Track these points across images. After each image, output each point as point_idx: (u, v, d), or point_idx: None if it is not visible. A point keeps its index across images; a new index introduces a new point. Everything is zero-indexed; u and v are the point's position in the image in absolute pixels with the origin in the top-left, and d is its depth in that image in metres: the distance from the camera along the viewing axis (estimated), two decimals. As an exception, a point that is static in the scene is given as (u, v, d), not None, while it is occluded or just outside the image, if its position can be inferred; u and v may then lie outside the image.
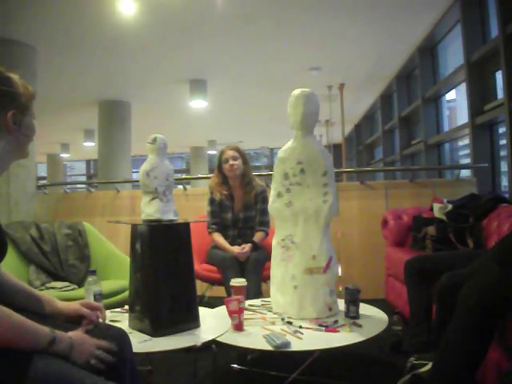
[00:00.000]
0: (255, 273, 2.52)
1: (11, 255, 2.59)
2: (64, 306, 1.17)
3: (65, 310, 1.15)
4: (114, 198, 4.42)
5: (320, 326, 1.83)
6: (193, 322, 1.75)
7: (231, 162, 2.76)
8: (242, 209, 2.81)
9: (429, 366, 1.60)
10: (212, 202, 2.81)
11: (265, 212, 2.77)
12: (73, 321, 1.15)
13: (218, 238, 2.74)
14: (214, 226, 2.77)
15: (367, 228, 3.62)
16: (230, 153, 2.79)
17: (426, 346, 1.89)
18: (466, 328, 1.38)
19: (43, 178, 13.70)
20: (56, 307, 1.16)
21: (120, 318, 1.86)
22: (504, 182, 4.19)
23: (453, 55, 5.09)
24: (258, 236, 2.74)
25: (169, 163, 1.93)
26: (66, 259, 2.75)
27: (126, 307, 1.91)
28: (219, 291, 2.66)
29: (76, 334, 1.03)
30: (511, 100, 3.33)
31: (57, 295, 2.33)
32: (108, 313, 1.95)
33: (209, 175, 3.76)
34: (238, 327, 1.78)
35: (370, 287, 2.80)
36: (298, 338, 1.70)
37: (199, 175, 8.91)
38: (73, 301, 2.10)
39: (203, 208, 2.90)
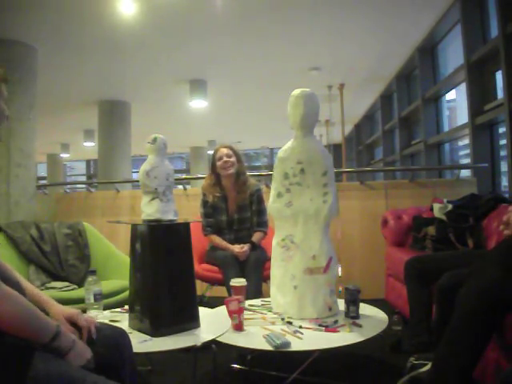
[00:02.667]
0: (255, 272, 2.52)
1: (11, 255, 2.59)
2: (53, 313, 1.13)
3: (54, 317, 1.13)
4: (114, 197, 4.41)
5: (320, 325, 1.83)
6: (193, 321, 1.75)
7: (225, 159, 2.73)
8: (236, 210, 2.77)
9: (429, 365, 1.60)
10: (205, 204, 2.78)
11: (262, 212, 2.76)
12: None
13: (216, 239, 2.73)
14: (209, 229, 2.75)
15: (367, 228, 3.62)
16: (224, 151, 2.76)
17: (426, 346, 1.89)
18: (466, 328, 1.38)
19: (43, 178, 13.70)
20: (47, 311, 1.13)
21: (120, 318, 1.86)
22: (504, 181, 4.19)
23: (453, 55, 5.09)
24: (256, 236, 2.72)
25: (169, 163, 1.93)
26: (66, 259, 2.75)
27: (126, 307, 1.91)
28: (219, 291, 2.66)
29: (79, 342, 1.03)
30: (511, 100, 3.33)
31: (57, 295, 2.33)
32: (108, 313, 1.95)
33: (209, 175, 3.75)
34: (238, 327, 1.78)
35: (369, 287, 2.80)
36: (298, 338, 1.70)
37: (199, 175, 8.85)
38: (73, 301, 2.11)
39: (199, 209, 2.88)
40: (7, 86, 1.10)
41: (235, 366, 2.09)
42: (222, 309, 1.89)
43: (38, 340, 0.94)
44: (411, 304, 2.10)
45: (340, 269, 2.97)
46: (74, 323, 1.12)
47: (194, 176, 9.36)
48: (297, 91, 2.03)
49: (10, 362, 0.90)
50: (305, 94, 2.01)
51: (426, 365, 1.64)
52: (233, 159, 2.75)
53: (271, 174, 2.17)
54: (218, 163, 2.75)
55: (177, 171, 15.23)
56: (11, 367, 0.90)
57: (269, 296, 2.16)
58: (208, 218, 2.76)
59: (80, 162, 16.61)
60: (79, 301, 2.06)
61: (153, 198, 1.84)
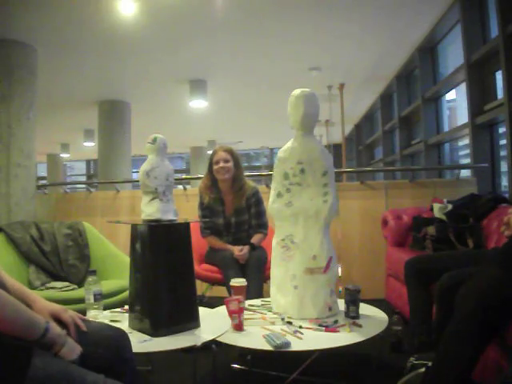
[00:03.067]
0: (256, 272, 2.51)
1: (11, 255, 2.59)
2: (37, 309, 1.12)
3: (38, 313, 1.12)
4: (114, 197, 4.41)
5: (320, 325, 1.83)
6: (193, 321, 1.75)
7: (222, 165, 2.66)
8: (233, 213, 2.74)
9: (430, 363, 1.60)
10: (202, 205, 2.76)
11: (261, 214, 2.73)
12: None
13: (215, 241, 2.72)
14: (207, 231, 2.74)
15: (367, 228, 3.61)
16: (222, 154, 2.69)
17: (426, 346, 1.89)
18: (465, 328, 1.38)
19: (43, 178, 13.69)
20: (32, 306, 1.12)
21: (120, 318, 1.86)
22: (504, 181, 4.19)
23: (453, 55, 5.09)
24: (256, 238, 2.71)
25: (169, 163, 1.93)
26: (66, 259, 2.75)
27: (126, 307, 1.91)
28: (219, 291, 2.66)
29: (68, 337, 1.04)
30: (511, 100, 3.33)
31: (57, 295, 2.34)
32: (108, 313, 1.95)
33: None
34: (238, 327, 1.78)
35: (370, 287, 2.79)
36: (298, 338, 1.70)
37: (199, 175, 8.85)
38: (73, 301, 2.11)
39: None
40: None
41: (235, 365, 2.09)
42: (222, 309, 1.89)
43: (28, 337, 0.94)
44: (411, 304, 2.10)
45: (340, 269, 2.98)
46: (58, 319, 1.11)
47: (194, 176, 9.37)
48: (297, 91, 2.02)
49: (9, 363, 0.90)
50: (305, 94, 2.01)
51: (426, 365, 1.64)
52: (229, 164, 2.68)
53: (271, 174, 2.17)
54: (215, 167, 2.70)
55: (177, 171, 15.22)
56: (10, 367, 0.89)
57: (269, 296, 2.16)
58: (205, 219, 2.74)
59: (80, 161, 16.61)
60: (79, 301, 2.05)
61: (153, 198, 1.84)
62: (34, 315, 0.98)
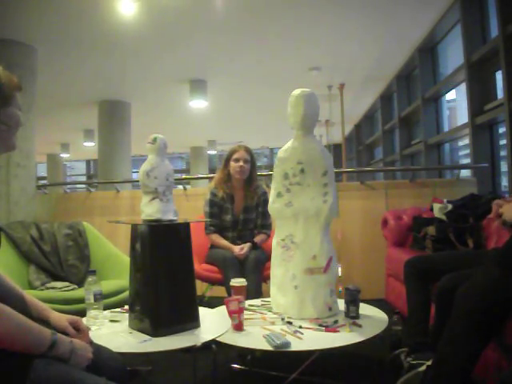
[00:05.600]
0: (255, 272, 2.51)
1: (11, 255, 2.59)
2: (54, 319, 1.14)
3: (52, 325, 1.12)
4: (114, 197, 4.41)
5: (320, 325, 1.83)
6: (193, 321, 1.75)
7: (241, 164, 2.73)
8: (241, 211, 2.79)
9: (428, 362, 1.60)
10: (212, 203, 2.78)
11: (266, 215, 2.75)
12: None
13: (218, 240, 2.73)
14: (212, 228, 2.76)
15: (367, 228, 3.61)
16: (244, 154, 2.75)
17: (422, 346, 1.88)
18: (464, 328, 1.38)
19: (43, 178, 13.70)
20: (46, 317, 1.14)
21: (120, 318, 1.86)
22: (504, 181, 4.19)
23: (453, 55, 5.09)
24: (259, 238, 2.75)
25: (169, 163, 1.93)
26: (66, 259, 2.75)
27: (126, 307, 1.91)
28: (219, 291, 2.66)
29: (76, 340, 1.03)
30: (511, 100, 3.33)
31: (57, 295, 2.34)
32: (108, 313, 1.95)
33: (209, 175, 3.77)
34: (238, 327, 1.78)
35: (369, 287, 2.80)
36: (298, 338, 1.70)
37: (199, 175, 8.93)
38: (73, 301, 2.11)
39: (203, 208, 2.90)
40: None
41: (235, 365, 2.10)
42: (222, 309, 1.89)
43: (35, 351, 0.93)
44: (409, 303, 2.09)
45: (340, 269, 2.98)
46: (76, 328, 1.13)
47: (194, 176, 9.40)
48: (297, 91, 2.02)
49: (11, 364, 0.89)
50: (305, 93, 2.01)
51: (423, 364, 1.64)
52: (248, 166, 2.76)
53: (271, 174, 2.17)
54: (234, 164, 2.75)
55: (177, 171, 15.24)
56: (12, 370, 0.89)
57: (269, 296, 2.16)
58: (213, 217, 2.76)
59: (80, 162, 16.62)
60: (79, 301, 2.06)
61: (153, 198, 1.84)
62: (40, 330, 0.96)
